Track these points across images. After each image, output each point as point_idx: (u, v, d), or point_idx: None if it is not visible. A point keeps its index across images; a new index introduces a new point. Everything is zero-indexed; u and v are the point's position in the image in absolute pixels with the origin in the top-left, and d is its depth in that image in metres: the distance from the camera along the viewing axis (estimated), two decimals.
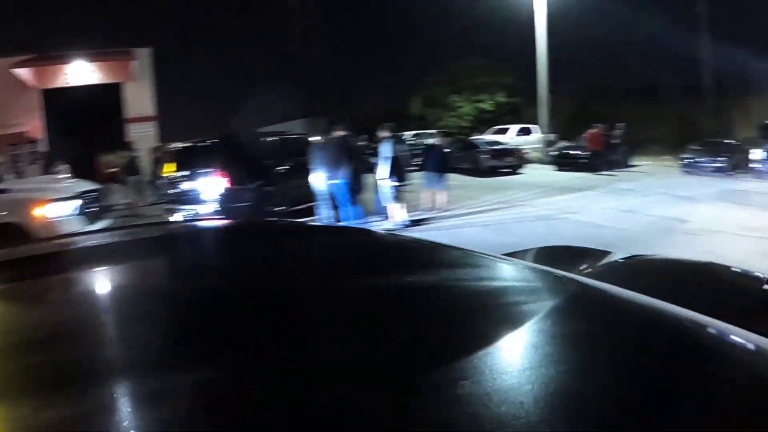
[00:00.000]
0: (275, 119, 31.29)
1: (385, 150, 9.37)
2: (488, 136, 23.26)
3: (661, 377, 0.62)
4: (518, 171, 19.44)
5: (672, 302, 0.85)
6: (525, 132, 24.48)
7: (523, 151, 20.42)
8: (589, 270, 1.49)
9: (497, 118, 28.15)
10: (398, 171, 9.32)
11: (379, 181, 9.59)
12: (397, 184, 9.32)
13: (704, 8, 29.08)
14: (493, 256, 1.11)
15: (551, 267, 1.08)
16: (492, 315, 0.79)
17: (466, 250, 1.15)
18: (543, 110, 23.74)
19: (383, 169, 9.35)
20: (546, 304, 0.84)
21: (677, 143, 19.77)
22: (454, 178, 13.02)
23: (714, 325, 0.80)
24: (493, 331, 0.71)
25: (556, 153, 20.16)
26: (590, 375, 0.63)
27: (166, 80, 25.85)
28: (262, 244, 1.28)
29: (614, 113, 28.89)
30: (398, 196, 9.45)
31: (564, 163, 19.23)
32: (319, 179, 9.25)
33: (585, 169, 17.89)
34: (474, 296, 0.92)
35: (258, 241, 1.32)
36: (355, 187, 9.10)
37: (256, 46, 48.63)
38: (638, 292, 0.89)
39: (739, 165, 17.34)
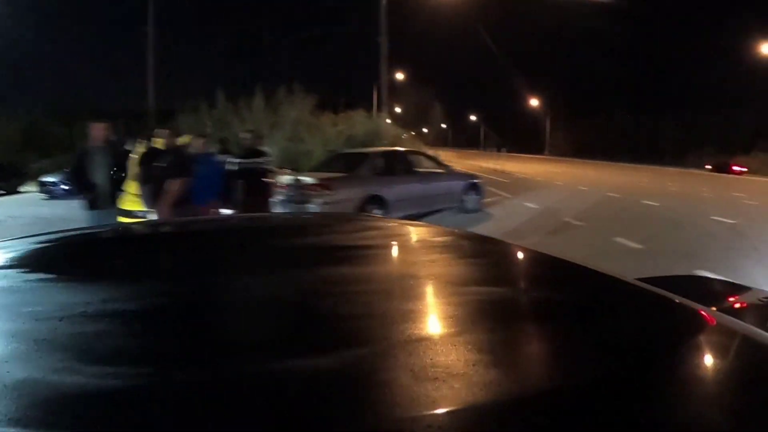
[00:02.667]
0: None
1: None
2: None
3: None
4: None
5: None
6: None
7: None
8: (736, 305, 1.38)
9: None
10: None
11: None
12: None
13: (152, 31, 29.73)
14: (618, 277, 1.09)
15: (687, 298, 1.00)
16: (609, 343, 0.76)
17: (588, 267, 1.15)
18: None
19: None
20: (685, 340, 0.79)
21: None
22: None
23: None
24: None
25: None
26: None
27: None
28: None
29: (66, 135, 27.01)
30: None
31: None
32: None
33: None
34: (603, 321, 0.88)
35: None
36: None
37: None
38: None
39: None
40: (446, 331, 0.76)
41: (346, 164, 9.84)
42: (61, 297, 0.87)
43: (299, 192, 8.71)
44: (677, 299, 0.98)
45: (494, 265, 1.21)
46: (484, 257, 1.27)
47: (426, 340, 0.71)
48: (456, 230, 1.55)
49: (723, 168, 43.39)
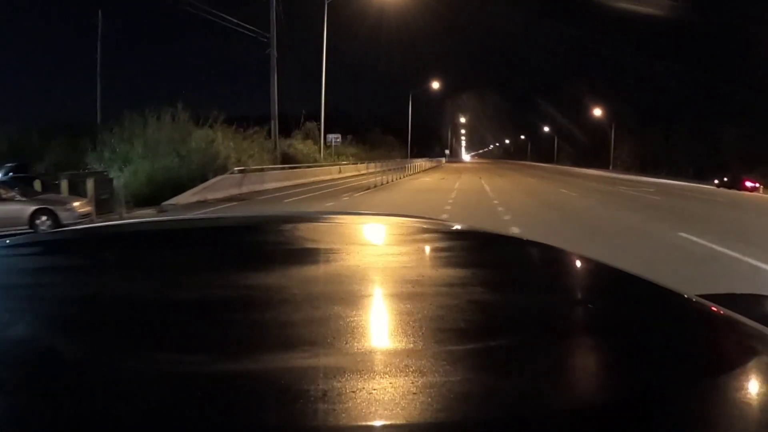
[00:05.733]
0: None
1: None
2: None
3: None
4: None
5: None
6: None
7: None
8: None
9: None
10: None
11: None
12: None
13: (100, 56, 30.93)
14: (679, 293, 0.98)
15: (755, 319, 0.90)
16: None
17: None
18: None
19: None
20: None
21: None
22: None
23: None
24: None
25: None
26: None
27: None
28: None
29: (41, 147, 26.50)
30: None
31: None
32: None
33: None
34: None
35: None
36: None
37: None
38: None
39: None
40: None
41: None
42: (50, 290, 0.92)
43: None
44: (742, 319, 0.86)
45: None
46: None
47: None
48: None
49: (733, 184, 38.50)
